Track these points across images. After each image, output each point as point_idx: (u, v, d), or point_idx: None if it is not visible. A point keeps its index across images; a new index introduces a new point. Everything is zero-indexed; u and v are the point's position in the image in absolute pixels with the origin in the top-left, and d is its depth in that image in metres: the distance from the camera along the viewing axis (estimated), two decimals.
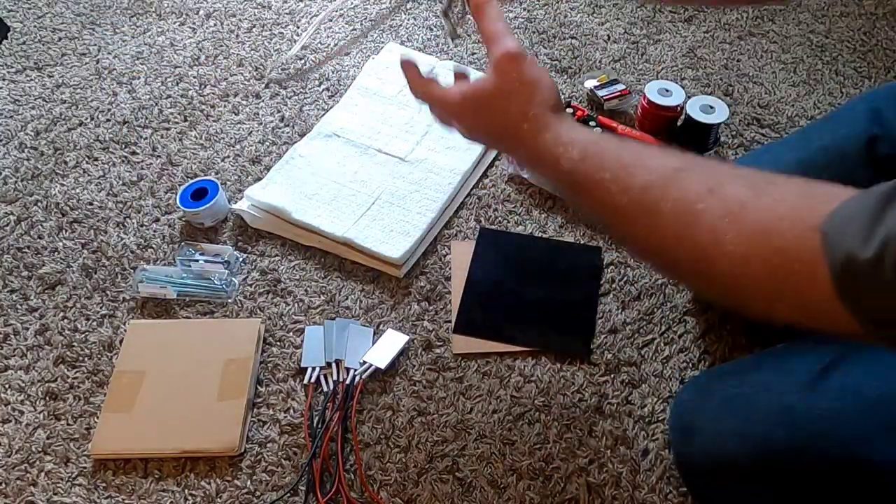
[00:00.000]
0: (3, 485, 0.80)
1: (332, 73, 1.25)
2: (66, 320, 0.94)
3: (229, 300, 0.95)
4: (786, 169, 0.78)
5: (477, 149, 1.10)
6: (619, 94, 1.17)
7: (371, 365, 0.88)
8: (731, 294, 0.49)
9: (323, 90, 1.22)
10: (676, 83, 1.12)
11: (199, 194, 1.02)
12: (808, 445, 0.61)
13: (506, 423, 0.84)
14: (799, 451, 0.62)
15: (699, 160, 0.54)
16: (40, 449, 0.83)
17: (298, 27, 1.34)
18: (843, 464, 0.60)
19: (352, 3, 1.38)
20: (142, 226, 1.04)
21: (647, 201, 0.51)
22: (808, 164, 0.77)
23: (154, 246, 1.02)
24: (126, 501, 0.79)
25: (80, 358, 0.90)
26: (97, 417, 0.85)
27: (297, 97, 1.21)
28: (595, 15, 1.36)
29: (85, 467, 0.82)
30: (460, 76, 0.73)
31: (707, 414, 0.69)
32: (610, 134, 0.61)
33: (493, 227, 1.03)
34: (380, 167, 1.08)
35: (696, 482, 0.74)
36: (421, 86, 0.74)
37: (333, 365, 0.88)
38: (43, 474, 0.81)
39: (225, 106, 1.20)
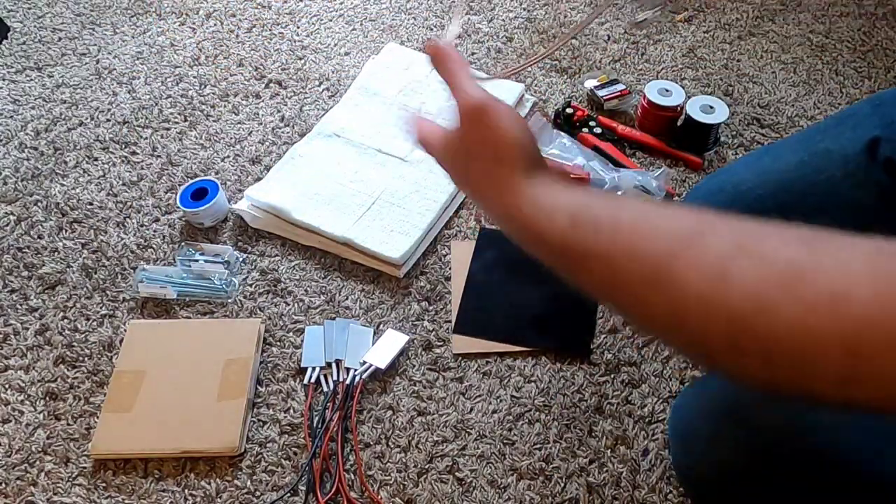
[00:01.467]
0: (3, 485, 0.80)
1: (332, 73, 1.25)
2: (66, 320, 0.94)
3: (229, 300, 0.95)
4: (786, 171, 0.78)
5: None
6: (619, 94, 1.17)
7: (371, 365, 0.88)
8: (784, 376, 0.39)
9: (323, 90, 1.22)
10: (676, 83, 1.12)
11: (199, 194, 1.02)
12: (813, 459, 0.61)
13: (506, 423, 0.84)
14: (803, 464, 0.61)
15: (719, 216, 0.43)
16: (40, 449, 0.83)
17: (298, 27, 1.34)
18: (848, 477, 0.59)
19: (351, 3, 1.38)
20: (142, 226, 1.04)
21: (660, 270, 0.42)
22: (810, 167, 0.76)
23: (154, 246, 1.02)
24: (126, 501, 0.79)
25: (80, 358, 0.90)
26: (97, 417, 0.85)
27: (297, 97, 1.21)
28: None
29: (85, 467, 0.82)
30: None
31: (707, 423, 0.69)
32: (600, 191, 0.51)
33: (493, 226, 1.03)
34: (380, 167, 1.08)
35: (695, 489, 0.73)
36: (418, 126, 0.62)
37: (333, 365, 0.88)
38: (43, 474, 0.81)
39: (225, 106, 1.20)
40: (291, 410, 0.86)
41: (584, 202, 0.48)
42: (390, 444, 0.83)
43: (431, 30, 1.33)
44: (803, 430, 0.61)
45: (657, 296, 0.43)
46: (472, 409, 0.86)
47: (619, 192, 1.00)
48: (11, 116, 1.19)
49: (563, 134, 1.11)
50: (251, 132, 1.16)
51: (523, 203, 0.51)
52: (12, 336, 0.93)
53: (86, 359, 0.90)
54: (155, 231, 1.04)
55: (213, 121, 1.18)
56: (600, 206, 0.47)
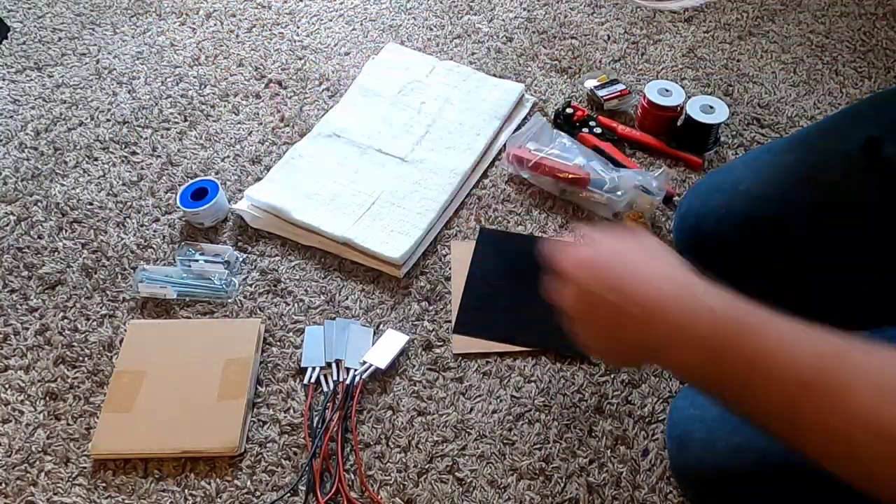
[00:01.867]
0: (3, 485, 0.80)
1: (332, 73, 1.25)
2: (66, 320, 0.94)
3: (229, 300, 0.95)
4: (786, 169, 0.78)
5: (477, 149, 1.10)
6: (619, 94, 1.17)
7: (371, 365, 0.88)
8: None
9: (323, 90, 1.22)
10: (676, 83, 1.12)
11: (199, 194, 1.02)
12: (808, 460, 0.61)
13: (506, 423, 0.84)
14: (797, 464, 0.61)
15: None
16: (40, 449, 0.83)
17: (298, 27, 1.34)
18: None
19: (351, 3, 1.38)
20: (142, 226, 1.04)
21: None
22: (810, 165, 0.76)
23: (154, 246, 1.02)
24: (126, 501, 0.79)
25: (80, 358, 0.90)
26: (97, 417, 0.85)
27: (297, 97, 1.21)
28: (595, 15, 1.36)
29: (85, 467, 0.82)
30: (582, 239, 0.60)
31: (703, 424, 0.69)
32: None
33: (493, 227, 1.03)
34: (380, 167, 1.08)
35: (693, 490, 0.74)
36: (558, 254, 0.57)
37: (333, 365, 0.88)
38: (43, 474, 0.81)
39: (225, 106, 1.20)
40: (291, 410, 0.86)
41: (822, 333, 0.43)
42: (390, 444, 0.83)
43: (431, 30, 1.33)
44: None
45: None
46: (472, 409, 0.86)
47: (619, 193, 1.00)
48: (11, 116, 1.19)
49: (563, 134, 1.11)
50: (251, 132, 1.16)
51: (751, 320, 0.45)
52: (12, 336, 0.93)
53: (86, 359, 0.90)
54: (155, 231, 1.04)
55: (213, 121, 1.18)
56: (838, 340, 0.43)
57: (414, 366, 0.89)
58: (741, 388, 0.45)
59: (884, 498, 0.41)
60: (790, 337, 0.44)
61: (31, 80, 1.25)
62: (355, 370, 0.87)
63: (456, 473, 0.81)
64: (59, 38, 1.33)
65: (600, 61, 1.27)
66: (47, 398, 0.87)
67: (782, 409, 0.43)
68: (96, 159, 1.13)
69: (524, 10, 1.37)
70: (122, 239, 1.03)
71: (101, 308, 0.95)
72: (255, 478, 0.81)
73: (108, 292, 0.97)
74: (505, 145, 1.11)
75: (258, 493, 0.80)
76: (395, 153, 1.10)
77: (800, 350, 0.43)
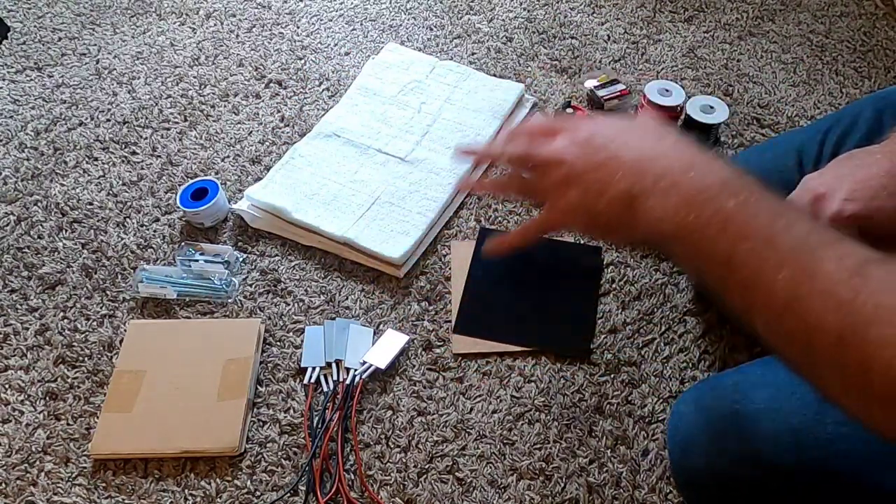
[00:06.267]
0: (3, 485, 0.80)
1: (332, 73, 1.25)
2: (66, 320, 0.94)
3: (229, 300, 0.95)
4: (785, 170, 0.78)
5: (477, 149, 1.10)
6: (619, 94, 1.17)
7: (371, 365, 0.88)
8: (878, 394, 0.38)
9: (323, 90, 1.22)
10: (676, 83, 1.12)
11: (199, 194, 1.02)
12: (817, 469, 0.60)
13: (506, 423, 0.84)
14: (807, 474, 0.61)
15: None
16: (40, 449, 0.83)
17: (298, 27, 1.34)
18: (852, 489, 0.59)
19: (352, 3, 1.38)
20: (142, 226, 1.04)
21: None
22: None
23: (154, 246, 1.02)
24: (126, 501, 0.79)
25: (80, 358, 0.90)
26: (97, 417, 0.85)
27: (297, 97, 1.21)
28: (595, 15, 1.36)
29: (85, 467, 0.82)
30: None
31: (709, 431, 0.68)
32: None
33: (493, 227, 1.03)
34: (380, 167, 1.08)
35: (694, 495, 0.73)
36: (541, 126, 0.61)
37: (333, 365, 0.88)
38: (43, 474, 0.81)
39: (225, 106, 1.20)
40: (291, 410, 0.86)
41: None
42: (390, 444, 0.83)
43: (431, 30, 1.33)
44: (806, 444, 0.61)
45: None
46: (472, 409, 0.86)
47: None
48: (11, 116, 1.19)
49: None
50: (251, 132, 1.16)
51: (745, 195, 0.46)
52: (12, 336, 0.93)
53: (86, 359, 0.90)
54: (155, 231, 1.04)
55: (213, 121, 1.18)
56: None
57: (414, 366, 0.89)
58: (716, 235, 0.46)
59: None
60: (780, 209, 0.45)
61: (31, 80, 1.25)
62: (355, 370, 0.87)
63: (456, 473, 0.81)
64: (59, 38, 1.33)
65: (600, 61, 1.27)
66: (47, 398, 0.87)
67: (748, 265, 0.44)
68: (96, 159, 1.13)
69: (524, 10, 1.37)
70: (122, 239, 1.03)
71: (101, 308, 0.95)
72: (255, 478, 0.81)
73: (108, 292, 0.97)
74: None
75: (258, 493, 0.80)
76: (394, 153, 1.10)
77: (785, 221, 0.44)
